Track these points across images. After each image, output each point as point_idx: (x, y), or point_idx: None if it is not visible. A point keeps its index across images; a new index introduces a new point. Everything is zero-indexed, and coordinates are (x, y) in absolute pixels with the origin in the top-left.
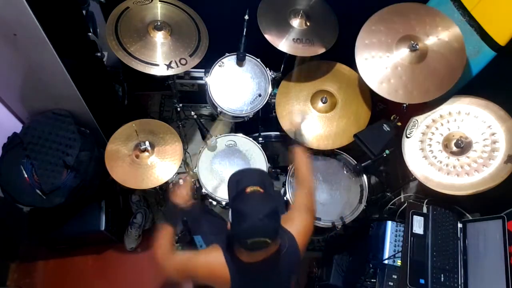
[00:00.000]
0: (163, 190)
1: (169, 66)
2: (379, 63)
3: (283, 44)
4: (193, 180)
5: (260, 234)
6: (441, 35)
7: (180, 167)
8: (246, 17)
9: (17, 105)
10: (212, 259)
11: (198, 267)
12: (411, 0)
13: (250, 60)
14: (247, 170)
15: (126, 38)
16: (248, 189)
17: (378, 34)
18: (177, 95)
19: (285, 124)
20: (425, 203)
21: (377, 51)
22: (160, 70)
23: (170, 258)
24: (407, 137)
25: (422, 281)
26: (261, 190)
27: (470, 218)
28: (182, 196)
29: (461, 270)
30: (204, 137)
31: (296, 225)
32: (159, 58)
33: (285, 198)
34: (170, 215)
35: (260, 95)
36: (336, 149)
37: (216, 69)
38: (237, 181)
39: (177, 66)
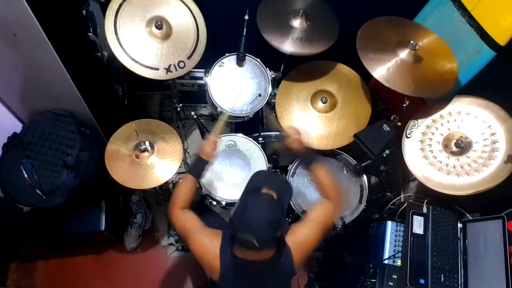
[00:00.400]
0: (163, 190)
1: (168, 70)
2: (380, 54)
3: (283, 45)
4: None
5: (252, 234)
6: (432, 49)
7: (180, 167)
8: (246, 17)
9: (17, 105)
10: (209, 243)
11: (196, 241)
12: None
13: (250, 60)
14: (276, 176)
15: (126, 40)
16: (264, 190)
17: (380, 31)
18: (177, 95)
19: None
20: (425, 203)
21: (379, 44)
22: (159, 73)
23: (180, 214)
24: (407, 137)
25: (422, 281)
26: (275, 197)
27: (470, 218)
28: (206, 151)
29: (461, 270)
30: (204, 137)
31: (296, 238)
32: (157, 60)
33: (291, 198)
34: (194, 167)
35: (260, 95)
36: (336, 149)
37: (216, 69)
38: (261, 179)
39: (176, 70)
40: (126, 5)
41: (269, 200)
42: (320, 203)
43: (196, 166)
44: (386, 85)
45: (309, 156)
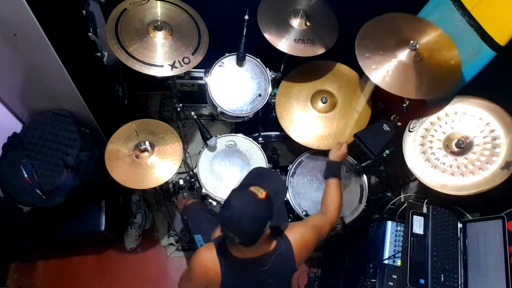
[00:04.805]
0: (163, 190)
1: (173, 66)
2: (379, 59)
3: (284, 45)
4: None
5: (234, 232)
6: (434, 44)
7: (180, 167)
8: (246, 17)
9: (17, 105)
10: (204, 254)
11: (192, 267)
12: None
13: (250, 60)
14: (267, 172)
15: (127, 41)
16: (252, 187)
17: (378, 33)
18: (177, 95)
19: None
20: (425, 203)
21: (377, 48)
22: (164, 71)
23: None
24: (410, 131)
25: (422, 281)
26: (263, 194)
27: (470, 218)
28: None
29: (461, 270)
30: (204, 137)
31: (295, 234)
32: (161, 59)
33: (284, 199)
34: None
35: (260, 95)
36: None
37: (216, 69)
38: (250, 176)
39: (181, 66)
40: (125, 15)
41: (252, 197)
42: (318, 215)
43: (333, 170)
44: (388, 90)
45: (336, 169)
